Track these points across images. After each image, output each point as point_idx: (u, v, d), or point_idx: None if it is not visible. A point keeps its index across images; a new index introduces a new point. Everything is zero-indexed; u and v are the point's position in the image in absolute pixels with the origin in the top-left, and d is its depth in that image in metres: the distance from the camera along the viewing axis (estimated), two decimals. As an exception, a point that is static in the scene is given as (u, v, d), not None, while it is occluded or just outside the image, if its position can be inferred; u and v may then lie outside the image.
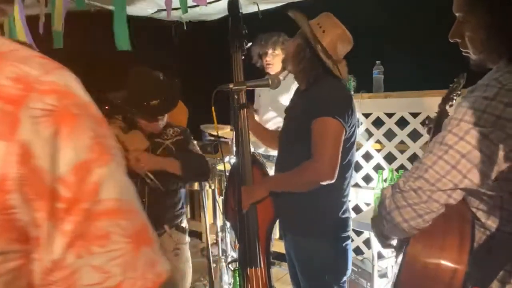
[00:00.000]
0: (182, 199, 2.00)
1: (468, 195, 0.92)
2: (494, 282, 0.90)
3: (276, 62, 2.72)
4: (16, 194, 0.43)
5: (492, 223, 0.91)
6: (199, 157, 1.94)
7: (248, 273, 1.64)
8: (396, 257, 1.21)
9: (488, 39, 0.92)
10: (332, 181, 1.51)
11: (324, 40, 1.56)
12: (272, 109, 2.92)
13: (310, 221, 1.64)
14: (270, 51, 2.72)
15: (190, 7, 2.04)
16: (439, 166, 0.85)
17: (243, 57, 1.70)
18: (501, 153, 0.82)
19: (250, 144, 1.69)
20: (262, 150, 2.92)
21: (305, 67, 1.61)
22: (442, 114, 1.50)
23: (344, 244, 1.68)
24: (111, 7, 2.78)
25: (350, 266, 1.71)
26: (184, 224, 1.99)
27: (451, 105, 1.56)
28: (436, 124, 1.46)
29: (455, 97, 1.56)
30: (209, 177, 2.01)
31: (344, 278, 1.70)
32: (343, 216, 1.68)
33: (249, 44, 1.70)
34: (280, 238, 2.03)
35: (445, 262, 0.89)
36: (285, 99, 2.50)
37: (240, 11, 1.70)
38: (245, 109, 1.69)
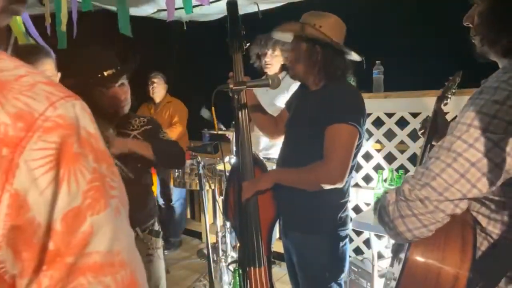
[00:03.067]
0: (155, 200, 1.90)
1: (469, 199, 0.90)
2: None
3: (275, 62, 2.76)
4: (6, 250, 0.41)
5: (493, 228, 0.89)
6: (171, 142, 1.86)
7: (252, 273, 1.63)
8: (392, 259, 1.21)
9: (480, 24, 0.91)
10: (341, 186, 1.54)
11: (328, 33, 1.57)
12: (270, 111, 2.92)
13: (310, 219, 1.65)
14: (269, 52, 2.75)
15: (193, 6, 2.04)
16: (447, 174, 0.82)
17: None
18: (510, 160, 0.79)
19: (251, 144, 1.69)
20: (261, 154, 2.92)
21: (320, 68, 1.61)
22: (437, 113, 1.49)
23: (342, 243, 1.70)
24: (111, 7, 2.78)
25: (347, 264, 1.74)
26: (157, 227, 1.88)
27: (445, 104, 1.55)
28: (431, 124, 1.45)
29: (450, 96, 1.55)
30: (184, 163, 1.87)
31: (342, 276, 1.72)
32: (343, 215, 1.69)
33: (248, 44, 1.70)
34: (280, 238, 2.03)
35: (447, 268, 0.87)
36: (283, 101, 2.51)
37: (239, 12, 1.70)
38: (246, 109, 1.68)
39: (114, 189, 0.46)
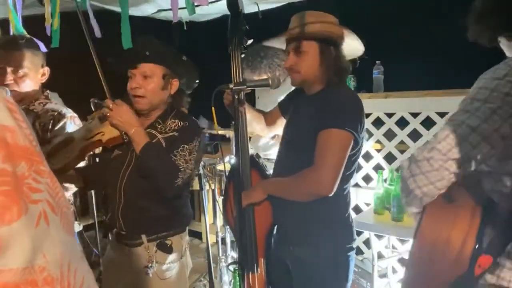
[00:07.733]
0: (174, 211, 1.65)
1: (483, 177, 0.99)
2: (502, 257, 0.94)
3: None
4: None
5: (504, 204, 0.95)
6: (172, 163, 1.52)
7: (248, 278, 1.59)
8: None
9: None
10: (330, 195, 1.43)
11: (334, 31, 1.54)
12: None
13: (311, 231, 1.56)
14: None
15: (182, 8, 2.03)
16: (451, 138, 0.93)
17: (242, 55, 1.61)
18: (508, 129, 0.88)
19: (250, 146, 1.66)
20: (262, 154, 2.92)
21: (328, 66, 1.53)
22: None
23: (347, 255, 1.58)
24: (111, 7, 2.78)
25: (350, 278, 1.61)
26: (169, 241, 1.62)
27: None
28: None
29: None
30: (170, 193, 1.54)
31: None
32: (346, 224, 1.60)
33: (250, 41, 1.62)
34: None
35: (455, 234, 0.96)
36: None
37: (241, 7, 1.66)
38: (244, 110, 1.65)
39: (40, 191, 0.38)
